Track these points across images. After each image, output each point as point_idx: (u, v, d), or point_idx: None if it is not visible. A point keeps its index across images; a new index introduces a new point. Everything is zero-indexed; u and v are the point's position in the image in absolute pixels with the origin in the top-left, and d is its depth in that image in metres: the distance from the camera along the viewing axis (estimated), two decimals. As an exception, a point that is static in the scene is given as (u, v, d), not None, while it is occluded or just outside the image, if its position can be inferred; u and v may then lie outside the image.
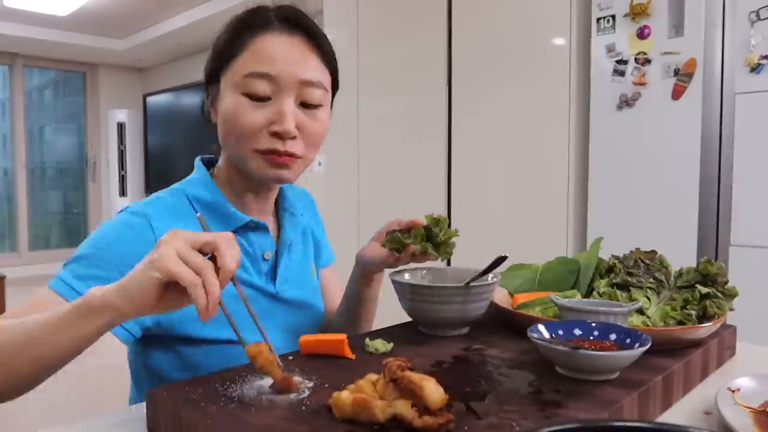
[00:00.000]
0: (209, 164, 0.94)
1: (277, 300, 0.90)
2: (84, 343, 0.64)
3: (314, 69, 0.83)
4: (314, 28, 0.85)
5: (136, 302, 0.60)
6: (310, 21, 0.85)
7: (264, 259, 0.89)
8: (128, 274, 0.61)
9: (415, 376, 0.52)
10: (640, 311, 0.82)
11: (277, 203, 0.97)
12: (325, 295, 1.05)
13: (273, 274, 0.90)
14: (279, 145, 0.80)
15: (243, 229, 0.87)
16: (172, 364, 0.83)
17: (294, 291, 0.92)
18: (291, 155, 0.81)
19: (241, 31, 0.83)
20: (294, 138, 0.81)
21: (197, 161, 0.92)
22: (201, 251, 0.60)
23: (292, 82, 0.80)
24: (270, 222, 0.94)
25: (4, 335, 0.65)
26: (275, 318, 0.89)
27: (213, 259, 0.60)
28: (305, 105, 0.83)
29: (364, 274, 0.94)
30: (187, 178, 0.90)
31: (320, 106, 0.84)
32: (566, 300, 0.80)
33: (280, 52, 0.80)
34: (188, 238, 0.60)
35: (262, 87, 0.79)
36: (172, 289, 0.60)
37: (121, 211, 0.84)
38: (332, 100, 0.91)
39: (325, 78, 0.85)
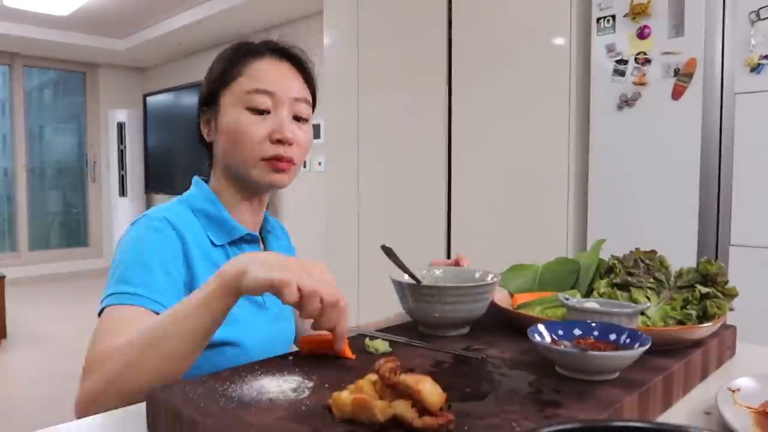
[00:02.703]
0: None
1: (262, 308, 0.96)
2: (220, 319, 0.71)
3: (301, 88, 0.97)
4: (297, 56, 0.99)
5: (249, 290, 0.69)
6: (293, 50, 0.99)
7: None
8: (249, 261, 0.68)
9: (410, 379, 0.52)
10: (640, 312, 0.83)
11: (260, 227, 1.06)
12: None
13: None
14: (282, 151, 0.92)
15: (239, 241, 0.96)
16: None
17: (276, 302, 0.98)
18: (289, 160, 0.93)
19: (239, 57, 0.95)
20: (291, 145, 0.93)
21: (196, 179, 1.01)
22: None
23: (287, 98, 0.94)
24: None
25: (146, 337, 0.70)
26: (258, 325, 0.94)
27: None
28: (296, 118, 0.96)
29: None
30: (187, 193, 0.99)
31: (307, 120, 0.98)
32: (575, 300, 0.80)
33: (275, 74, 0.95)
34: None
35: (263, 101, 0.92)
36: None
37: (138, 219, 0.91)
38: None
39: (308, 97, 0.99)
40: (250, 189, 0.97)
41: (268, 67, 0.95)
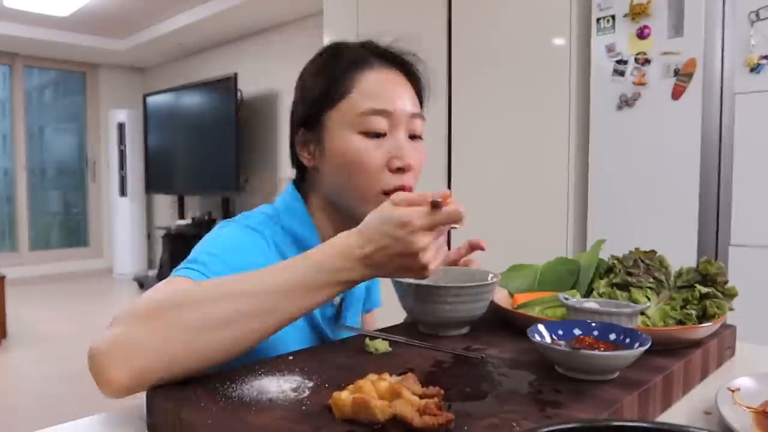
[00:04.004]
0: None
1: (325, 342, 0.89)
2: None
3: (415, 101, 0.85)
4: (406, 59, 0.86)
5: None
6: (401, 53, 0.86)
7: (331, 305, 0.90)
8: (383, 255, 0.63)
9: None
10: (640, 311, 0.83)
11: None
12: None
13: (335, 320, 0.91)
14: (405, 181, 0.82)
15: None
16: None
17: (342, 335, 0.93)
18: (409, 190, 0.82)
19: (344, 70, 0.82)
20: (411, 171, 0.82)
21: (291, 187, 0.90)
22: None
23: (404, 116, 0.82)
24: None
25: (246, 297, 0.61)
26: (302, 336, 0.87)
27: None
28: (411, 137, 0.84)
29: None
30: (282, 202, 0.88)
31: (422, 137, 0.86)
32: (575, 300, 0.80)
33: (389, 88, 0.82)
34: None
35: (380, 124, 0.80)
36: None
37: (233, 219, 0.83)
38: None
39: (420, 110, 0.87)
40: (352, 223, 0.86)
41: (381, 80, 0.82)
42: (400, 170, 0.81)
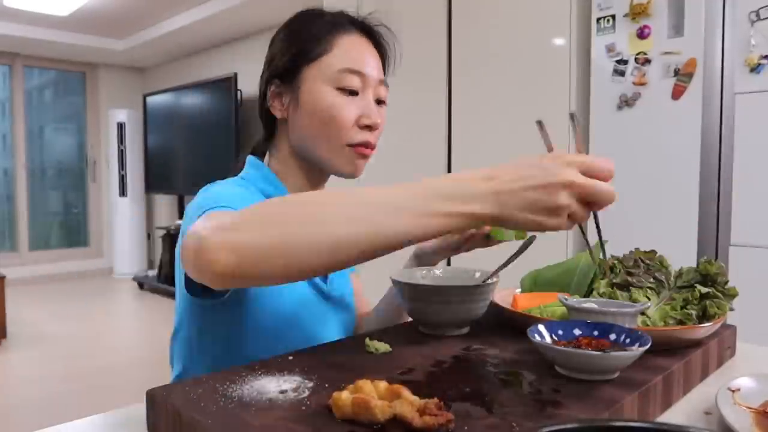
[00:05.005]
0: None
1: (328, 299, 0.94)
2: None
3: (381, 69, 0.92)
4: (376, 29, 0.94)
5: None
6: (372, 23, 0.93)
7: None
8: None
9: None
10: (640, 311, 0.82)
11: None
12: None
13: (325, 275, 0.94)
14: (370, 137, 0.88)
15: None
16: (245, 329, 0.82)
17: (339, 290, 0.97)
18: (373, 147, 0.89)
19: (326, 30, 0.88)
20: (375, 130, 0.89)
21: (254, 160, 0.94)
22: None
23: (375, 80, 0.89)
24: None
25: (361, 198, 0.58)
26: (329, 317, 0.93)
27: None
28: (377, 101, 0.91)
29: (425, 264, 1.00)
30: (245, 174, 0.92)
31: (385, 103, 0.93)
32: (574, 300, 0.80)
33: (364, 53, 0.89)
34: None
35: (355, 82, 0.87)
36: None
37: (214, 182, 0.86)
38: None
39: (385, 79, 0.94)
40: (319, 172, 0.92)
41: (358, 45, 0.89)
42: (368, 128, 0.87)
